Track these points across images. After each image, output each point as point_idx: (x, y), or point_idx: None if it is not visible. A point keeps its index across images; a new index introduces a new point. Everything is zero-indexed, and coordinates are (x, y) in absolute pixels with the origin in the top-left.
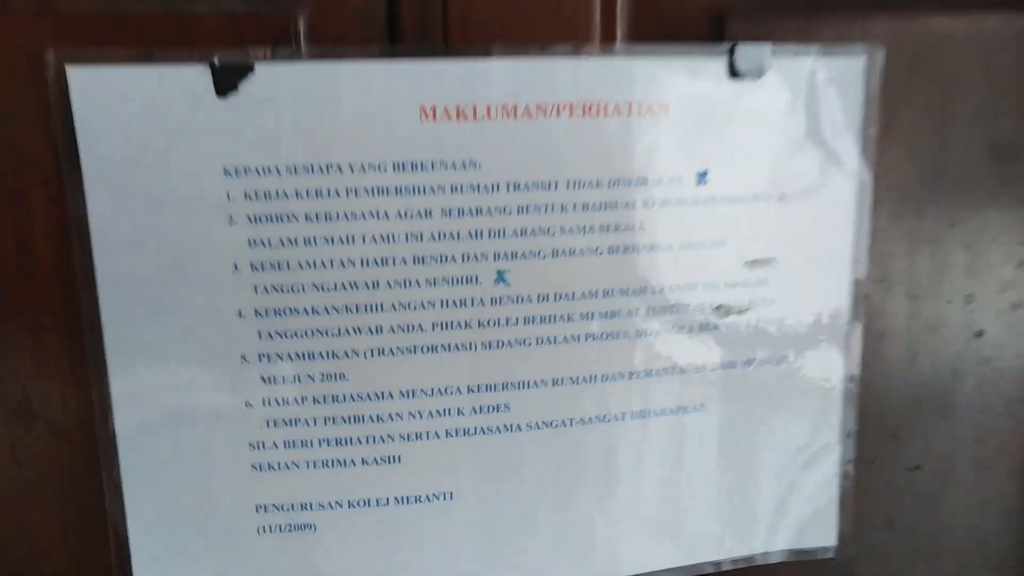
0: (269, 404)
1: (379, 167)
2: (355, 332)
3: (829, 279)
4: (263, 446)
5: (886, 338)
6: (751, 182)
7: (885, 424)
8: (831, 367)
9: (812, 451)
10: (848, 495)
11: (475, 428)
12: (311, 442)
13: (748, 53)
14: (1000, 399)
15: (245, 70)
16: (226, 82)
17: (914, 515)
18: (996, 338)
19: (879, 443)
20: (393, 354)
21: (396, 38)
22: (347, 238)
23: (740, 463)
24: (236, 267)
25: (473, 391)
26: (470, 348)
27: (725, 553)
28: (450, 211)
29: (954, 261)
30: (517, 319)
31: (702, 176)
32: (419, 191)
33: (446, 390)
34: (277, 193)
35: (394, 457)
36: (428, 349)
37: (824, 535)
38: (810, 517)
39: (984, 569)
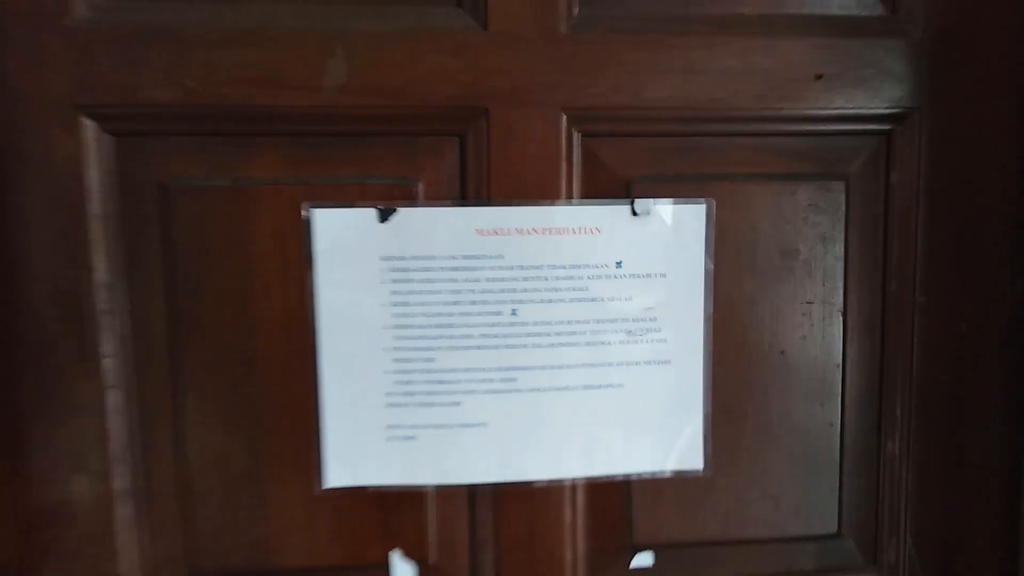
0: (397, 373)
1: (455, 257)
2: (440, 337)
3: (692, 318)
4: (393, 394)
5: (727, 346)
6: (645, 267)
7: (724, 394)
8: (692, 365)
9: (683, 411)
10: (709, 436)
11: (499, 389)
12: (416, 392)
13: (641, 204)
14: None
15: (392, 211)
16: (384, 216)
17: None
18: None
19: (731, 407)
20: (459, 350)
21: (465, 195)
22: (438, 291)
23: (641, 417)
24: (382, 300)
25: (499, 370)
26: (498, 348)
27: (631, 468)
28: (489, 278)
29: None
30: (522, 334)
31: (619, 264)
32: (474, 269)
33: (485, 369)
34: (406, 268)
35: (456, 403)
36: (477, 348)
37: (695, 461)
38: (687, 449)
39: None
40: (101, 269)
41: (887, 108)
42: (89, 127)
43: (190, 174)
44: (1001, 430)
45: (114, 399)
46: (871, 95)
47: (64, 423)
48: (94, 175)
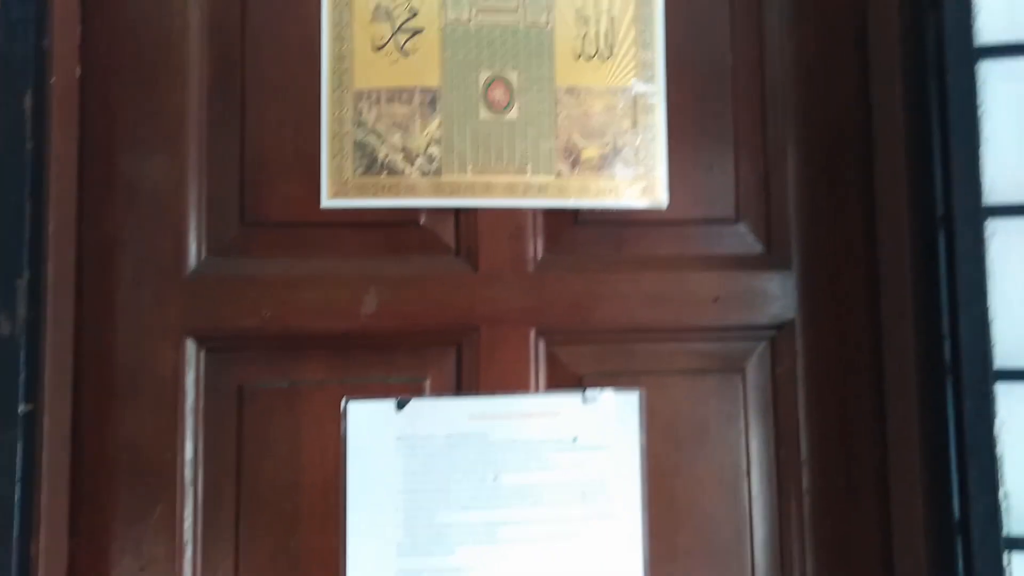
0: (406, 528)
1: (452, 436)
2: (440, 499)
3: (631, 481)
4: (403, 545)
5: (659, 503)
6: (594, 441)
7: (659, 542)
8: (632, 519)
9: (626, 557)
10: None
11: (485, 541)
12: (421, 543)
13: (590, 393)
14: None
15: (407, 402)
16: (400, 406)
17: None
18: None
19: (663, 554)
20: (454, 509)
21: (460, 389)
22: (438, 462)
23: (594, 562)
24: (395, 454)
25: (485, 525)
26: (483, 508)
27: None
28: (477, 452)
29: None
30: (502, 496)
31: (574, 439)
32: (466, 445)
33: (474, 524)
34: (415, 446)
35: (452, 552)
36: (467, 508)
37: None
38: None
39: None
40: (188, 451)
41: (769, 321)
42: (190, 346)
43: (259, 379)
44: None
45: (189, 553)
46: (756, 312)
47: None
48: (190, 381)
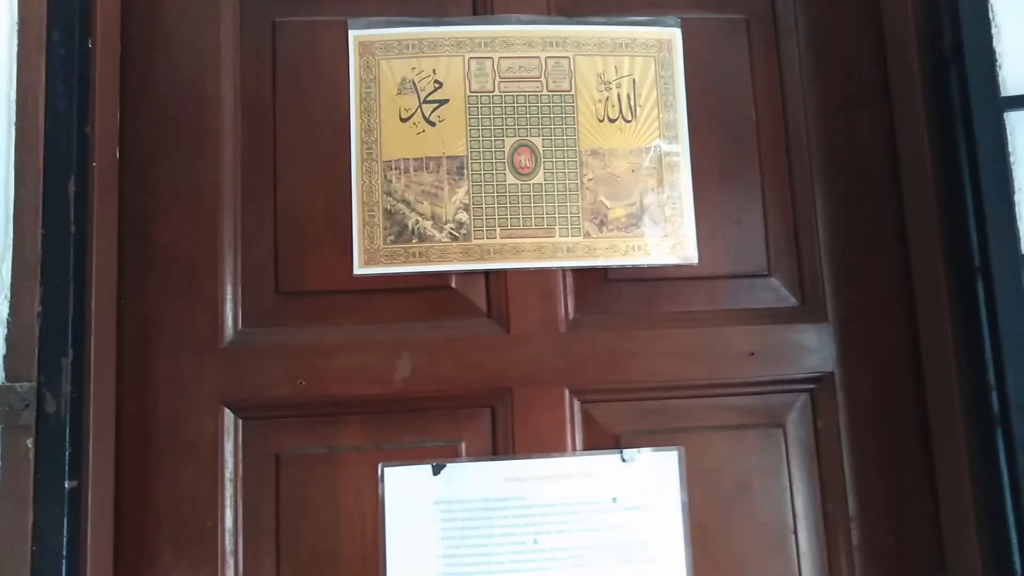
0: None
1: (489, 499)
2: (479, 564)
3: (674, 541)
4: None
5: (702, 563)
6: (634, 501)
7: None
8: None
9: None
10: None
11: None
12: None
13: (628, 453)
14: None
15: (443, 466)
16: (436, 470)
17: None
18: None
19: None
20: (494, 574)
21: (496, 451)
22: (476, 526)
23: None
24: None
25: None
26: (523, 572)
27: None
28: (515, 515)
29: None
30: (542, 559)
31: (614, 500)
32: (504, 508)
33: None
34: (452, 510)
35: None
36: (508, 572)
37: None
38: None
39: None
40: (228, 519)
41: (807, 374)
42: (228, 415)
43: (297, 445)
44: None
45: None
46: (794, 365)
47: None
48: (228, 450)
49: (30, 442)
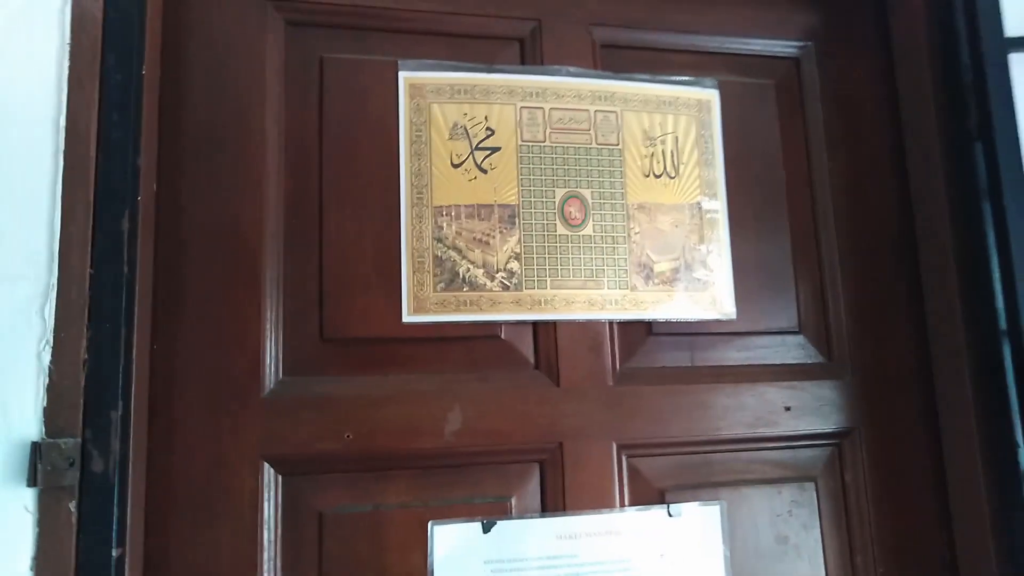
0: None
1: (541, 557)
2: None
3: (709, 567)
4: None
5: None
6: (681, 555)
7: None
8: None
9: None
10: None
11: None
12: None
13: (674, 508)
14: None
15: (493, 523)
16: (486, 528)
17: None
18: None
19: None
20: None
21: (545, 507)
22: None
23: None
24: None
25: None
26: None
27: None
28: (567, 573)
29: None
30: None
31: (662, 555)
32: (556, 567)
33: None
34: (503, 569)
35: None
36: None
37: None
38: None
39: None
40: None
41: (835, 428)
42: (268, 471)
43: (340, 503)
44: None
45: None
46: (824, 420)
47: None
48: (268, 508)
49: (72, 505)
